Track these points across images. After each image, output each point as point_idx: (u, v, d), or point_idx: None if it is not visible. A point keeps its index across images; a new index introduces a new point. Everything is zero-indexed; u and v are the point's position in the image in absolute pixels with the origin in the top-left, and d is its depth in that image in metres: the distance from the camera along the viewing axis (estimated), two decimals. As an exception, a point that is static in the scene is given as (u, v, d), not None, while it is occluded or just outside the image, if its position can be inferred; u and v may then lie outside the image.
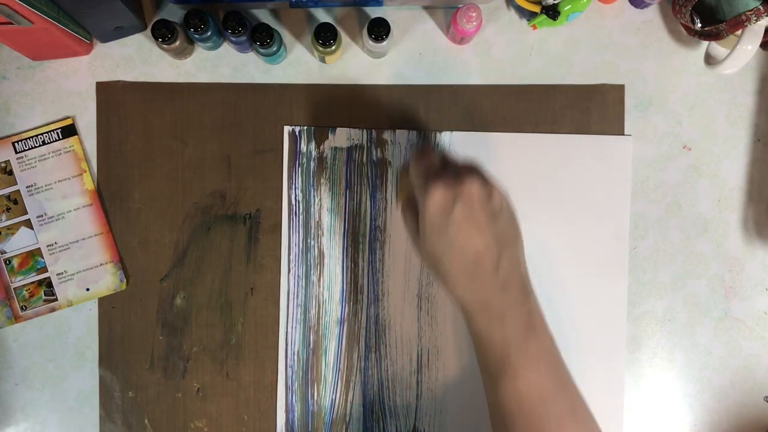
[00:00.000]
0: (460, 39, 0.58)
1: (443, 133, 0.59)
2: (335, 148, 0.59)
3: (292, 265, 0.59)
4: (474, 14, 0.53)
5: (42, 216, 0.58)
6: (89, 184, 0.58)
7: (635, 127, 0.60)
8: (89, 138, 0.59)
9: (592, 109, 0.60)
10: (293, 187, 0.59)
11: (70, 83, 0.59)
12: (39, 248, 0.58)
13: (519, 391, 0.44)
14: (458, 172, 0.46)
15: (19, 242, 0.58)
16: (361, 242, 0.59)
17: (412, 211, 0.49)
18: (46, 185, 0.58)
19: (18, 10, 0.47)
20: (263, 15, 0.59)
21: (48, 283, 0.58)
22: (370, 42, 0.55)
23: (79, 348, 0.58)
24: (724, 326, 0.60)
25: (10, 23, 0.48)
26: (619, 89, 0.60)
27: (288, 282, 0.59)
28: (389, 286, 0.59)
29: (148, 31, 0.58)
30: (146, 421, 0.58)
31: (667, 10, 0.60)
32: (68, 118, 0.59)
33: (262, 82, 0.59)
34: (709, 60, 0.58)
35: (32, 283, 0.58)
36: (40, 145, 0.58)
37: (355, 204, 0.59)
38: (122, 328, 0.58)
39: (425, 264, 0.58)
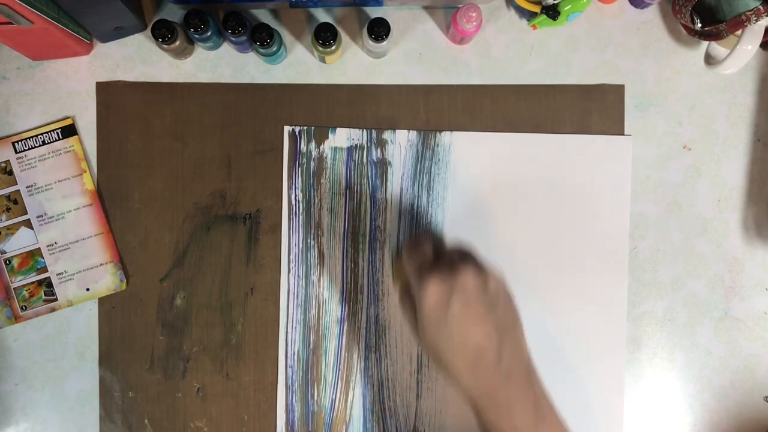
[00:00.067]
0: (460, 39, 0.58)
1: (443, 133, 0.59)
2: (335, 148, 0.59)
3: (292, 265, 0.59)
4: (474, 14, 0.53)
5: (42, 216, 0.58)
6: (89, 184, 0.58)
7: (635, 127, 0.60)
8: (89, 138, 0.59)
9: (592, 109, 0.60)
10: (293, 187, 0.59)
11: (70, 83, 0.59)
12: (39, 248, 0.58)
13: None
14: (452, 262, 0.45)
15: (19, 242, 0.58)
16: (361, 242, 0.59)
17: (410, 300, 0.48)
18: (46, 185, 0.58)
19: (18, 10, 0.47)
20: (263, 15, 0.59)
21: (48, 283, 0.58)
22: (370, 42, 0.55)
23: (79, 348, 0.58)
24: (724, 326, 0.60)
25: (10, 23, 0.48)
26: (619, 89, 0.60)
27: (288, 282, 0.59)
28: (389, 286, 0.59)
29: (148, 31, 0.58)
30: (146, 421, 0.58)
31: (667, 10, 0.60)
32: (68, 118, 0.59)
33: (262, 82, 0.59)
34: (709, 60, 0.58)
35: (32, 283, 0.58)
36: (40, 145, 0.58)
37: (355, 204, 0.59)
38: (122, 328, 0.58)
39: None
